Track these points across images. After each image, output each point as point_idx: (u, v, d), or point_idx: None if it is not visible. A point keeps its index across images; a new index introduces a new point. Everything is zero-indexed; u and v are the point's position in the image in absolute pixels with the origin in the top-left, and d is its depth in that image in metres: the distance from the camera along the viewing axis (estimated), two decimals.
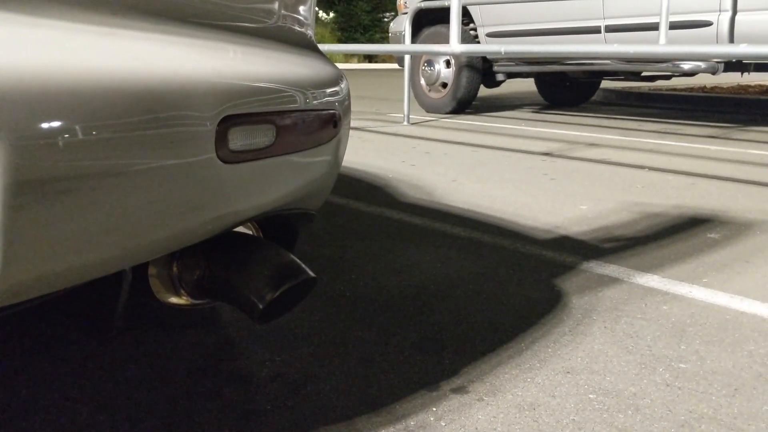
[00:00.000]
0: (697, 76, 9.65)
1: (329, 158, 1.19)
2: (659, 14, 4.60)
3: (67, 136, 0.83)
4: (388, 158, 4.17)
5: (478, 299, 1.87)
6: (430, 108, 6.73)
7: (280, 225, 1.26)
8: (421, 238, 2.46)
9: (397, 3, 7.00)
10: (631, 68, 5.63)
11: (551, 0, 4.86)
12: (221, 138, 0.93)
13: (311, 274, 1.12)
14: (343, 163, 3.87)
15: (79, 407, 1.31)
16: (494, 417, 1.29)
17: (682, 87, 9.19)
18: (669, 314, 1.78)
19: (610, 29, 5.34)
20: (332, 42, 20.63)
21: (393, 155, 4.31)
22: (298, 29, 1.19)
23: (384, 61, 19.40)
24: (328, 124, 1.14)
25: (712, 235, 2.51)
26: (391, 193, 3.22)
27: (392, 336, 1.64)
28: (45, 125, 0.80)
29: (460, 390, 1.39)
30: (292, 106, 1.06)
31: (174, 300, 1.17)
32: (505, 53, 3.60)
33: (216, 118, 0.93)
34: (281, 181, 1.09)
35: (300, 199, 1.17)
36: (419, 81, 6.75)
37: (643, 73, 6.37)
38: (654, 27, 4.97)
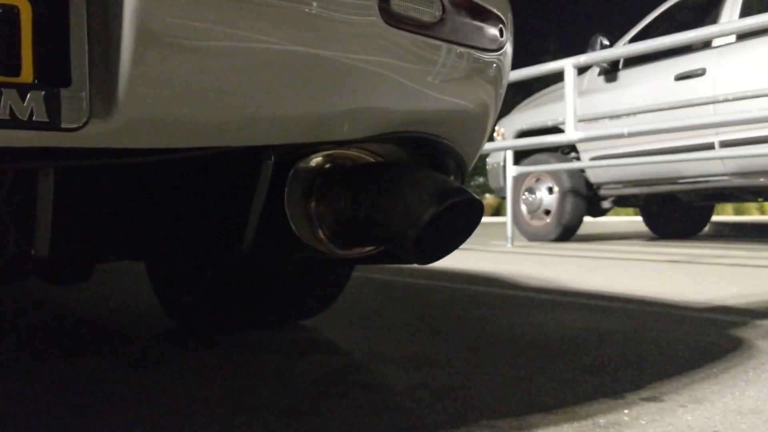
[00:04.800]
0: None
1: (490, 79, 1.02)
2: None
3: None
4: (499, 264, 3.94)
5: (643, 343, 1.57)
6: (533, 236, 6.51)
7: (426, 163, 1.07)
8: (553, 306, 2.19)
9: (495, 134, 7.02)
10: (750, 183, 5.29)
11: (666, 109, 4.67)
12: None
13: (476, 197, 0.91)
14: (451, 265, 3.67)
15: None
16: (708, 418, 0.99)
17: None
18: None
19: (726, 144, 5.11)
20: None
21: (504, 262, 4.08)
22: None
23: None
24: (495, 28, 0.98)
25: None
26: (509, 281, 2.97)
27: (549, 363, 1.37)
28: None
29: (653, 399, 1.10)
30: None
31: (311, 243, 0.98)
32: (628, 134, 3.43)
33: None
34: (439, 81, 0.93)
35: (453, 125, 1.00)
36: (520, 209, 6.59)
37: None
38: None
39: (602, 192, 6.28)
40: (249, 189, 0.87)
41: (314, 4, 0.80)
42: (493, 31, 1.00)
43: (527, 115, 6.54)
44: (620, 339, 1.60)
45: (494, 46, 1.01)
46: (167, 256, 1.18)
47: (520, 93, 10.87)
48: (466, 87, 1.00)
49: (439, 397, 1.12)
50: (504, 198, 6.33)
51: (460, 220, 0.94)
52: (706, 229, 7.76)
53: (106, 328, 1.86)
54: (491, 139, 6.78)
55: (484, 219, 14.64)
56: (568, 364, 1.35)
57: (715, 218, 7.94)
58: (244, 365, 1.37)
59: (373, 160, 1.06)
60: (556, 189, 6.31)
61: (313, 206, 0.98)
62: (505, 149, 5.90)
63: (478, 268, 3.62)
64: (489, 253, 4.93)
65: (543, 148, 6.14)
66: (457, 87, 0.99)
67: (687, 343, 1.54)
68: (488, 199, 21.61)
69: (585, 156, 6.08)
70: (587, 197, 6.30)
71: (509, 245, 5.63)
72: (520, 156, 6.40)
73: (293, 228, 0.95)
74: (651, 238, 7.15)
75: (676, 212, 7.22)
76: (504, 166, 6.20)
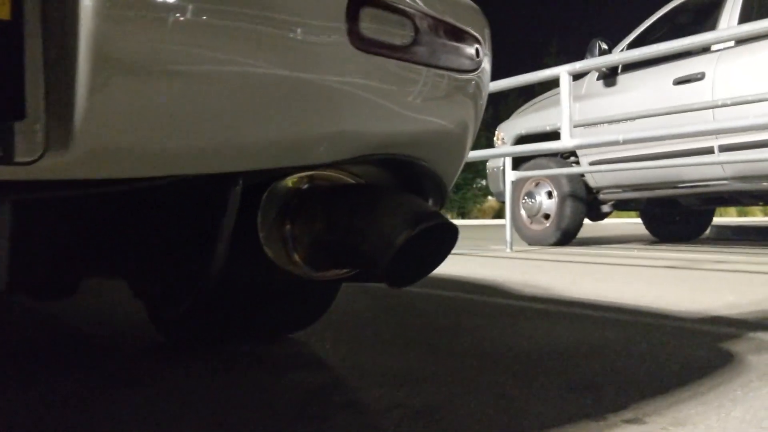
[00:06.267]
0: None
1: (466, 101, 1.01)
2: None
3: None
4: (496, 270, 3.92)
5: (631, 357, 1.56)
6: (532, 240, 6.50)
7: (404, 184, 1.06)
8: (546, 316, 2.17)
9: (495, 138, 7.02)
10: (750, 187, 5.27)
11: (665, 114, 4.65)
12: (352, 16, 0.78)
13: (450, 221, 0.90)
14: (448, 271, 3.66)
15: None
16: None
17: None
18: None
19: (725, 149, 5.09)
20: None
21: (501, 268, 4.06)
22: None
23: (477, 217, 19.61)
24: (470, 48, 0.97)
25: None
26: (505, 289, 2.95)
27: (534, 380, 1.35)
28: None
29: (634, 421, 1.09)
30: (431, 10, 0.90)
31: (287, 267, 0.97)
32: (624, 141, 3.41)
33: None
34: (413, 103, 0.92)
35: (431, 147, 0.99)
36: (520, 213, 6.58)
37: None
38: None
39: (602, 196, 6.26)
40: (218, 213, 0.86)
41: (281, 27, 0.79)
42: (469, 51, 0.99)
43: (526, 120, 6.53)
44: (608, 353, 1.59)
45: (470, 67, 1.00)
46: (135, 282, 1.17)
47: (522, 95, 10.80)
48: (442, 108, 0.99)
49: (419, 418, 1.10)
50: (504, 202, 6.31)
51: (435, 243, 0.93)
52: (708, 232, 7.73)
53: (93, 343, 1.86)
54: (491, 144, 6.77)
55: (486, 222, 14.60)
56: (552, 381, 1.33)
57: (717, 220, 7.92)
58: (228, 383, 1.35)
59: (351, 180, 1.05)
60: (555, 193, 6.29)
61: (288, 228, 0.97)
62: (502, 156, 5.89)
63: (475, 274, 3.61)
64: (487, 259, 4.91)
65: (542, 153, 6.12)
66: (433, 108, 0.98)
67: (676, 358, 1.53)
68: (490, 201, 21.62)
69: (584, 160, 6.06)
70: (587, 201, 6.29)
71: (508, 250, 5.62)
72: (520, 160, 6.39)
73: (267, 251, 0.94)
74: (651, 242, 7.13)
75: (677, 215, 7.19)
76: (504, 171, 6.19)
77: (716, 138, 5.12)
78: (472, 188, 22.91)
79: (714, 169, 5.26)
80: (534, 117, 6.42)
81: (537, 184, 6.48)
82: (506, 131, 6.72)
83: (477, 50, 1.02)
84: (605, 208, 6.57)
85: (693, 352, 1.60)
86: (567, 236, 6.33)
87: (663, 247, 6.17)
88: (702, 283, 3.12)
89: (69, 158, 0.67)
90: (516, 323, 2.02)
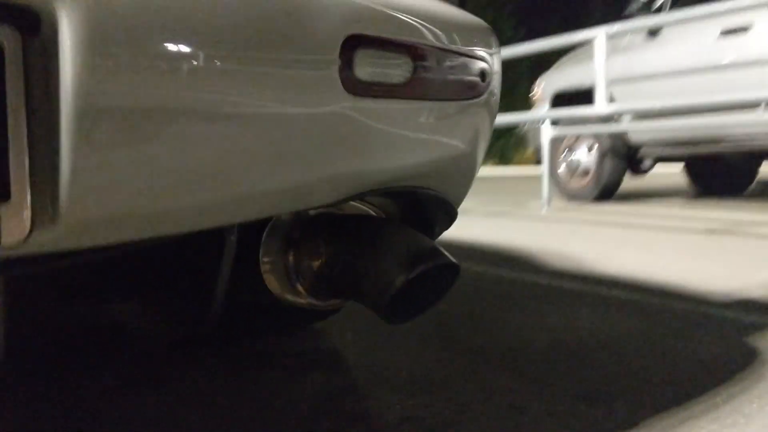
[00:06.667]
0: None
1: (474, 124, 0.98)
2: None
3: (155, 54, 0.70)
4: (530, 235, 3.90)
5: (651, 355, 1.54)
6: (572, 196, 6.42)
7: (411, 210, 1.05)
8: (572, 299, 2.16)
9: (532, 94, 6.87)
10: None
11: (710, 70, 4.48)
12: (346, 60, 0.76)
13: (452, 259, 0.89)
14: (480, 238, 3.65)
15: None
16: None
17: None
18: None
19: None
20: None
21: (534, 233, 4.03)
22: None
23: (520, 163, 19.42)
24: (475, 75, 0.94)
25: None
26: (535, 262, 2.94)
27: (548, 386, 1.35)
28: (124, 43, 0.67)
29: None
30: (431, 40, 0.88)
31: (290, 297, 0.98)
32: (660, 109, 3.31)
33: (341, 34, 0.76)
34: (416, 137, 0.90)
35: (437, 175, 0.97)
36: (559, 169, 6.49)
37: None
38: None
39: (643, 152, 6.11)
40: (216, 256, 0.86)
41: (276, 72, 0.77)
42: (476, 76, 0.96)
43: (566, 73, 6.36)
44: (627, 351, 1.57)
45: (478, 92, 0.97)
46: (139, 308, 1.19)
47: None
48: (449, 136, 0.97)
49: None
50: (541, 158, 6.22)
51: (436, 279, 0.93)
52: (753, 186, 7.51)
53: (100, 344, 1.91)
54: (528, 106, 6.62)
55: (528, 171, 14.38)
56: (566, 389, 1.33)
57: (766, 166, 7.65)
58: (237, 387, 1.38)
59: (362, 207, 1.04)
60: (595, 149, 6.17)
61: (291, 259, 0.97)
62: (537, 119, 5.77)
63: (507, 242, 3.59)
64: (522, 220, 4.87)
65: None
66: (439, 138, 0.95)
67: (696, 357, 1.51)
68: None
69: (625, 116, 5.90)
70: (627, 157, 6.15)
71: (544, 210, 5.56)
72: None
73: (268, 287, 0.95)
74: (694, 196, 6.96)
75: (722, 168, 7.00)
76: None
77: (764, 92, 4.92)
78: (514, 135, 22.55)
79: (760, 125, 5.08)
80: (574, 70, 6.24)
81: (577, 139, 6.35)
82: (546, 84, 6.57)
83: (484, 74, 0.99)
84: (646, 164, 6.43)
85: (714, 348, 1.57)
86: (607, 192, 6.23)
87: (704, 203, 6.02)
88: (739, 254, 3.05)
89: (57, 233, 0.67)
90: (540, 310, 2.02)
